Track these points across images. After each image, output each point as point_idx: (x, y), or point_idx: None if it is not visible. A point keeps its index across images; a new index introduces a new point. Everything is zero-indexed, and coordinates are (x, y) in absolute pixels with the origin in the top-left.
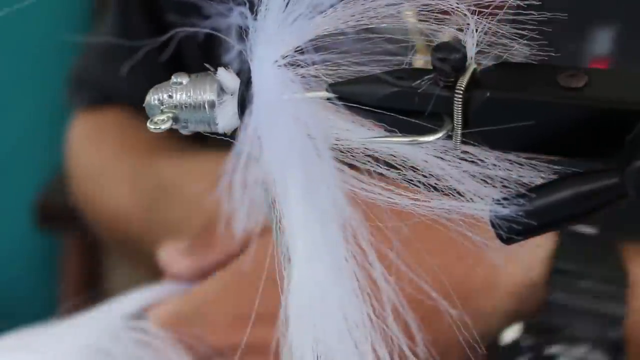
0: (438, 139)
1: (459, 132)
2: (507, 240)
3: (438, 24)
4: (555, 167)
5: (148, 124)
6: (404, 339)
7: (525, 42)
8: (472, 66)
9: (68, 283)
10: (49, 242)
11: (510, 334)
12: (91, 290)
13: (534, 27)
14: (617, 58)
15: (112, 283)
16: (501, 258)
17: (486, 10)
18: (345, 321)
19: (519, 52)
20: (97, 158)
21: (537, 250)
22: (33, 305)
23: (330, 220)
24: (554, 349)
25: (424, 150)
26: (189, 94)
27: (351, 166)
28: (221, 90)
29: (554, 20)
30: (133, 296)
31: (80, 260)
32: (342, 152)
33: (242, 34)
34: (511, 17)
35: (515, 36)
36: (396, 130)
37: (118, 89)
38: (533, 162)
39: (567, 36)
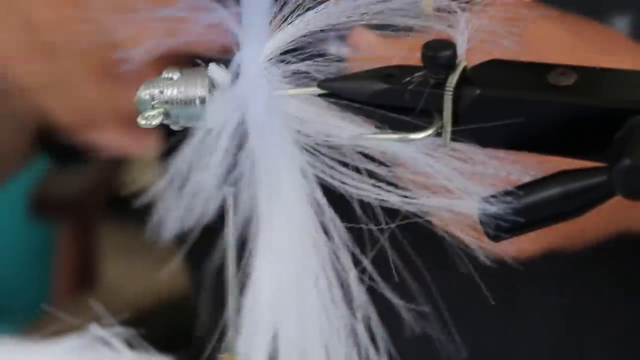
0: (428, 136)
1: (449, 129)
2: (495, 238)
3: (428, 21)
4: (544, 164)
5: (139, 119)
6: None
7: (516, 39)
8: (462, 63)
9: (62, 274)
10: (44, 233)
11: None
12: (86, 283)
13: (525, 24)
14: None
15: (108, 275)
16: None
17: (477, 7)
18: (306, 325)
19: (510, 49)
20: None
21: None
22: (26, 296)
23: (305, 220)
24: None
25: (414, 147)
26: (180, 90)
27: (341, 163)
28: (212, 86)
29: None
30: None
31: (75, 251)
32: (333, 149)
33: (231, 30)
34: (502, 13)
35: (507, 33)
36: (386, 127)
37: None
38: (522, 159)
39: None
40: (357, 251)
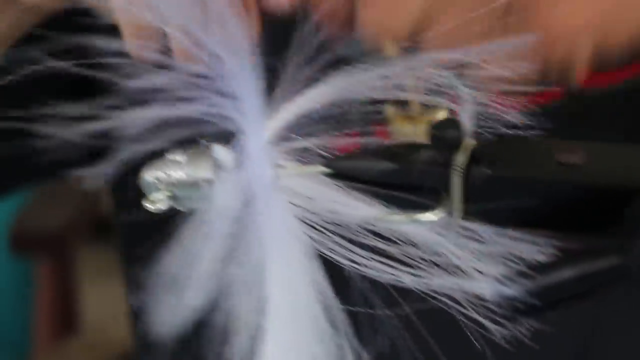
0: (439, 218)
1: (459, 209)
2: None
3: (435, 99)
4: (555, 242)
5: (145, 203)
6: None
7: (523, 115)
8: (469, 142)
9: (42, 314)
10: (24, 269)
11: None
12: (67, 323)
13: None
14: None
15: (87, 310)
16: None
17: (484, 85)
18: None
19: (517, 125)
20: None
21: None
22: (9, 337)
23: (310, 307)
24: None
25: (424, 226)
26: (185, 172)
27: (350, 241)
28: (217, 168)
29: None
30: None
31: (54, 290)
32: (342, 227)
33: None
34: (508, 90)
35: (513, 109)
36: (393, 204)
37: None
38: (533, 237)
39: None
40: (358, 343)
